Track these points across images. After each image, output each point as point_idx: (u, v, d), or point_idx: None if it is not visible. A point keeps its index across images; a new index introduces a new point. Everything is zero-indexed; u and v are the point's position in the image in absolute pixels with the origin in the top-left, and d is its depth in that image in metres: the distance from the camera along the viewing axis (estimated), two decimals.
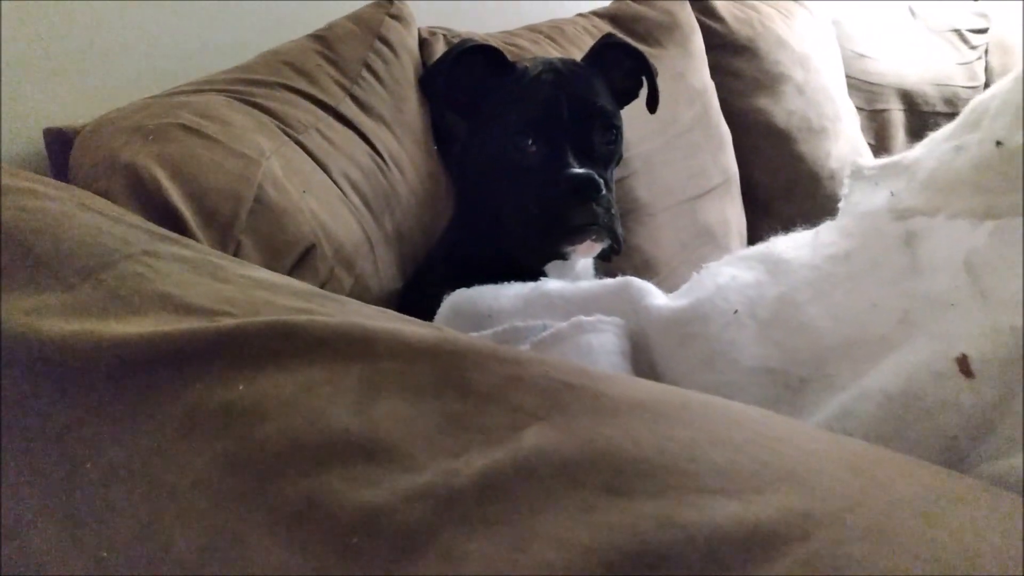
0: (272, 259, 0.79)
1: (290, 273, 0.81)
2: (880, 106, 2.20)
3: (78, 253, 0.57)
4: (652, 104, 1.07)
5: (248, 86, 1.04)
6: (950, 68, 2.30)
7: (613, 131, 0.97)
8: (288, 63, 1.11)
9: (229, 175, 0.82)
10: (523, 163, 0.93)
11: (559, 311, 0.68)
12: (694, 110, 1.53)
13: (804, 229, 0.74)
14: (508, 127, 0.94)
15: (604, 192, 0.89)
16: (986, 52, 2.40)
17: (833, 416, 0.50)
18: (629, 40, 1.09)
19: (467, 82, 1.00)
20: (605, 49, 1.05)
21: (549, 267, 0.98)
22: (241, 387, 0.44)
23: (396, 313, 0.54)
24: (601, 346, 0.61)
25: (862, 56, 2.16)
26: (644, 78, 1.06)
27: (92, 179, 0.81)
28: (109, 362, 0.48)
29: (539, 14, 1.55)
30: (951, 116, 2.42)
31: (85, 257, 0.56)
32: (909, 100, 2.24)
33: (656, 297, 0.67)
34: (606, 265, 1.06)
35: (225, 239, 0.77)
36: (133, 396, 0.46)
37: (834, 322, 0.56)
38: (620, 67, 1.05)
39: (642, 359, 0.65)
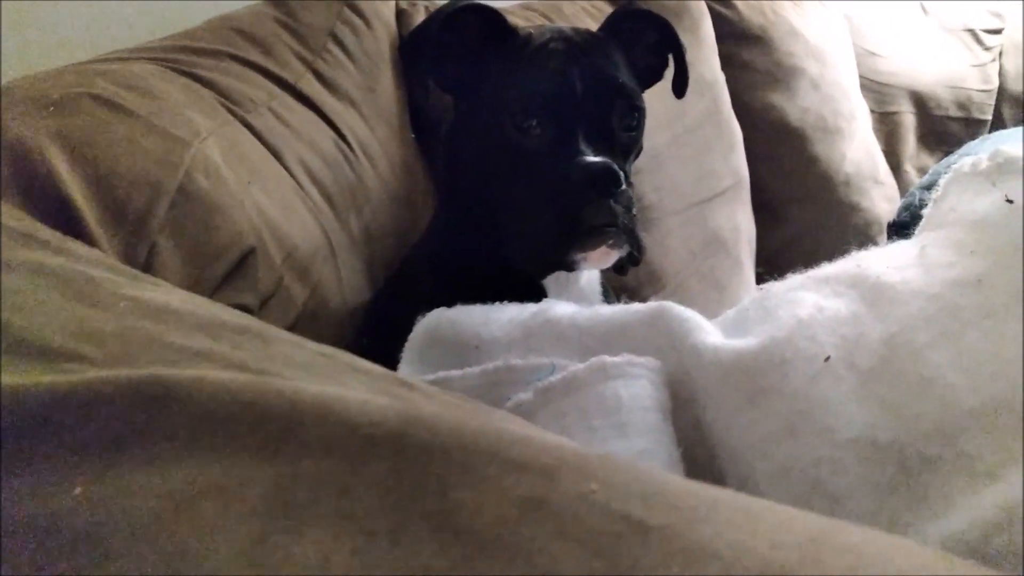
0: (198, 266, 0.62)
1: (221, 285, 0.63)
2: (891, 108, 2.06)
3: None
4: (680, 86, 0.90)
5: (189, 55, 0.87)
6: (964, 70, 2.17)
7: (635, 114, 0.80)
8: (240, 30, 0.93)
9: (147, 158, 0.65)
10: (525, 149, 0.76)
11: (571, 346, 0.52)
12: (704, 104, 1.37)
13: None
14: (508, 105, 0.77)
15: (624, 187, 0.72)
16: (1000, 54, 2.26)
17: (989, 522, 0.34)
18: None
19: (458, 50, 0.82)
20: (623, 19, 0.88)
21: (548, 280, 0.82)
22: (78, 490, 0.27)
23: (351, 359, 0.37)
24: (633, 399, 0.44)
25: (873, 54, 2.02)
26: (671, 55, 0.89)
27: None
28: None
29: None
30: (964, 121, 2.31)
31: None
32: (920, 103, 2.11)
33: (706, 332, 0.50)
34: (615, 279, 0.90)
35: (135, 240, 0.59)
36: None
37: (969, 376, 0.40)
38: (641, 41, 0.88)
39: (685, 416, 0.48)
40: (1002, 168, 0.49)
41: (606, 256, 0.75)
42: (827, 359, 0.44)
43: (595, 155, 0.72)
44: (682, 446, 0.46)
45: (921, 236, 0.53)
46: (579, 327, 0.53)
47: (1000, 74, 2.26)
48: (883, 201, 1.82)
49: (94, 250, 0.49)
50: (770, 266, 1.65)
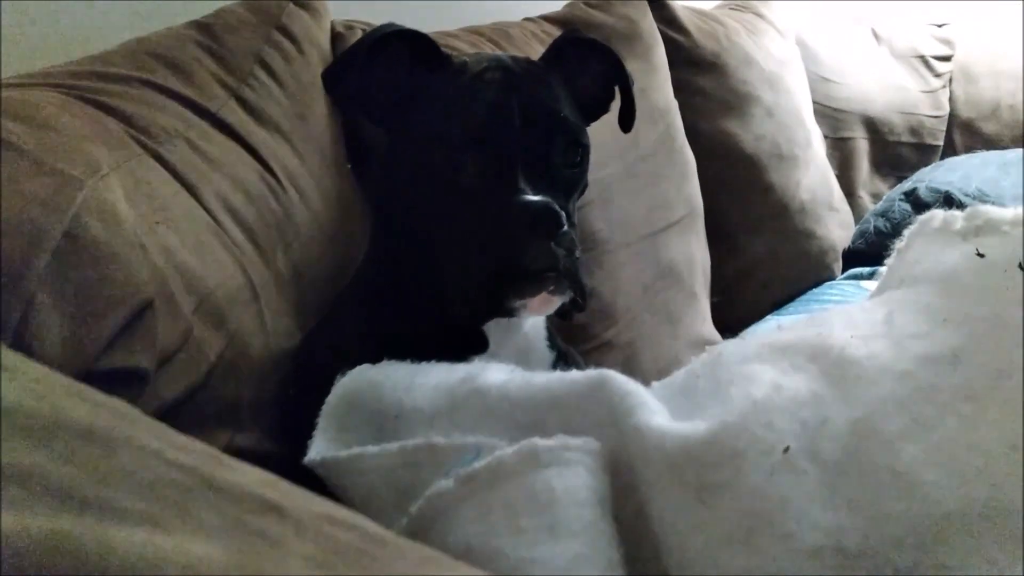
0: (82, 324, 0.55)
1: (110, 345, 0.56)
2: (845, 134, 2.06)
3: None
4: (626, 120, 0.85)
5: (98, 81, 0.80)
6: (915, 96, 2.19)
7: (579, 150, 0.75)
8: (157, 55, 0.86)
9: (30, 201, 0.57)
10: (460, 187, 0.70)
11: (501, 420, 0.46)
12: (657, 132, 1.33)
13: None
14: (441, 140, 0.71)
15: (566, 229, 0.67)
16: (950, 81, 2.28)
17: None
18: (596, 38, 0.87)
19: (387, 80, 0.76)
20: (567, 47, 0.83)
21: (489, 327, 0.76)
22: None
23: (215, 470, 0.30)
24: (567, 492, 0.38)
25: (827, 80, 2.02)
26: (617, 87, 0.84)
27: None
28: None
29: (481, 16, 1.34)
30: (916, 147, 2.32)
31: None
32: (874, 129, 2.12)
33: (652, 412, 0.44)
34: (559, 322, 0.84)
35: (9, 297, 0.52)
36: None
37: (947, 473, 0.35)
38: (586, 72, 0.83)
39: (627, 505, 0.42)
40: (980, 230, 0.45)
41: (547, 303, 0.70)
42: (786, 450, 0.39)
43: (535, 194, 0.67)
44: (623, 544, 0.41)
45: (886, 296, 0.48)
46: (510, 399, 0.47)
47: (951, 100, 2.28)
48: (838, 228, 1.81)
49: None
50: (726, 295, 1.62)
